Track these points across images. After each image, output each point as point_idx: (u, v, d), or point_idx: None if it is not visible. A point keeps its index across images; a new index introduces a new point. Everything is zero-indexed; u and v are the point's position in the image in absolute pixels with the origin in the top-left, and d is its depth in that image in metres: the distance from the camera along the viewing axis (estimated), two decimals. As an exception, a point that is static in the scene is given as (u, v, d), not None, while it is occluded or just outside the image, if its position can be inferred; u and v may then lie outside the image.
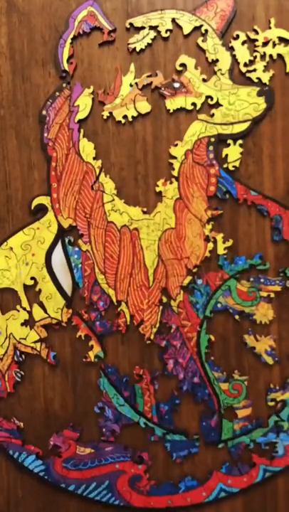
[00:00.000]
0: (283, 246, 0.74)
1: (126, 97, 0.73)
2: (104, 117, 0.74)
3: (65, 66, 0.74)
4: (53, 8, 0.74)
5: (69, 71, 0.74)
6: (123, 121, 0.73)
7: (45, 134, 0.74)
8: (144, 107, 0.73)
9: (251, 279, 0.73)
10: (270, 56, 0.73)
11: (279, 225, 0.73)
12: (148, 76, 0.73)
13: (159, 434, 0.73)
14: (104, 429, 0.73)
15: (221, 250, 0.73)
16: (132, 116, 0.73)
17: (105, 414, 0.73)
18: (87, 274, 0.74)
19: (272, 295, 0.73)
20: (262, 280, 0.73)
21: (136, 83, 0.73)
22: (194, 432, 0.73)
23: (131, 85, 0.73)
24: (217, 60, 0.73)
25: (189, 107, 0.73)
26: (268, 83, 0.73)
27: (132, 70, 0.73)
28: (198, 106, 0.73)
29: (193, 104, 0.73)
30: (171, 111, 0.73)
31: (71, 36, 0.74)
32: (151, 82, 0.73)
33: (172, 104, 0.73)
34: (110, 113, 0.74)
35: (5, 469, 0.74)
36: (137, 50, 0.73)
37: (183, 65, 0.73)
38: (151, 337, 0.73)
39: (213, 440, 0.73)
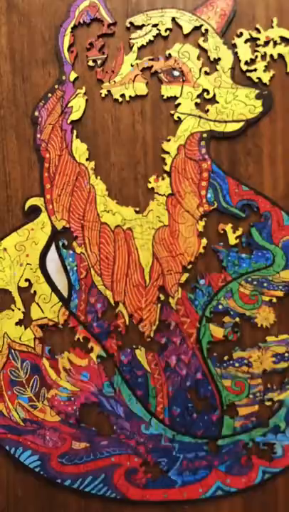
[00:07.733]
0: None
1: (126, 76, 0.73)
2: (103, 95, 0.73)
3: (66, 55, 0.73)
4: (53, 8, 0.74)
5: (70, 60, 0.73)
6: (120, 99, 0.73)
7: (38, 135, 0.74)
8: (141, 88, 0.73)
9: (254, 283, 0.72)
10: (271, 56, 0.72)
11: (268, 221, 0.73)
12: (150, 59, 0.73)
13: (170, 435, 0.73)
14: (115, 427, 0.74)
15: (232, 241, 0.73)
16: (130, 96, 0.73)
17: (117, 411, 0.73)
18: (83, 276, 0.74)
19: (274, 300, 0.72)
20: (265, 284, 0.72)
21: (137, 64, 0.73)
22: (201, 434, 0.73)
23: (132, 65, 0.73)
24: (219, 59, 0.72)
25: (185, 96, 0.72)
26: (268, 83, 0.72)
27: (134, 50, 0.73)
28: (194, 96, 0.72)
29: (189, 93, 0.72)
30: (165, 97, 0.73)
31: (71, 25, 0.73)
32: (152, 66, 0.73)
33: (167, 91, 0.73)
34: (108, 91, 0.73)
35: (4, 466, 0.75)
36: (138, 46, 0.73)
37: (186, 53, 0.72)
38: (151, 334, 0.73)
39: (213, 435, 0.73)
